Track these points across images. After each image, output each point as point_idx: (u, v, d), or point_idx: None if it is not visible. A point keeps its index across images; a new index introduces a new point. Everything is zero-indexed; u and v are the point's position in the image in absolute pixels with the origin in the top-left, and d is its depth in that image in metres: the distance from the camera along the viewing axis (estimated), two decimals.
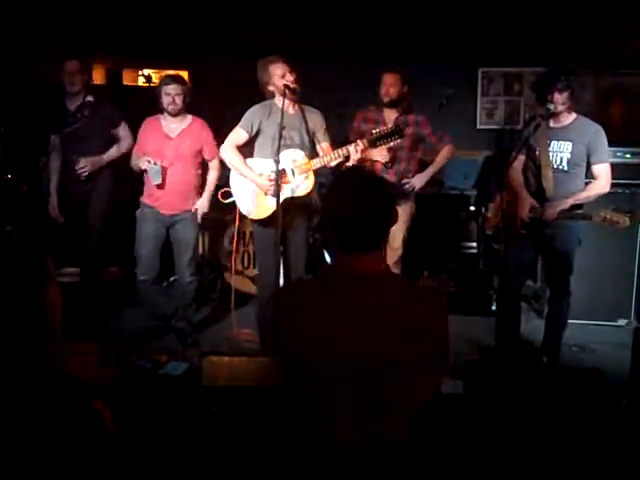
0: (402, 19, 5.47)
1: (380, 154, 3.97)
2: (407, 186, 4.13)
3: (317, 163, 3.66)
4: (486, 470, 2.56)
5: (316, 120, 3.82)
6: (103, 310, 4.43)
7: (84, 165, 4.20)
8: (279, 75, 3.66)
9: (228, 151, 3.82)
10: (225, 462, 2.50)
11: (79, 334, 2.54)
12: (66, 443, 1.32)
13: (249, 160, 3.84)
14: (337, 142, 3.92)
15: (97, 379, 1.53)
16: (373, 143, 3.60)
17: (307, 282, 2.00)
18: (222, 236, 5.12)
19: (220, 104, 5.90)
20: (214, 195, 4.27)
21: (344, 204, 1.65)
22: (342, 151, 3.61)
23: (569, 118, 3.60)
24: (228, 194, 4.11)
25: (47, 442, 1.31)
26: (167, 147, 4.05)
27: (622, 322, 4.51)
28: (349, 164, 3.67)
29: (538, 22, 5.44)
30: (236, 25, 5.63)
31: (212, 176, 4.22)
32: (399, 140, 3.62)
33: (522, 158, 3.73)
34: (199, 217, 4.17)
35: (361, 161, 3.74)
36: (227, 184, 4.02)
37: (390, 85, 4.06)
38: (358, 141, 3.58)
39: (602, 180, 3.61)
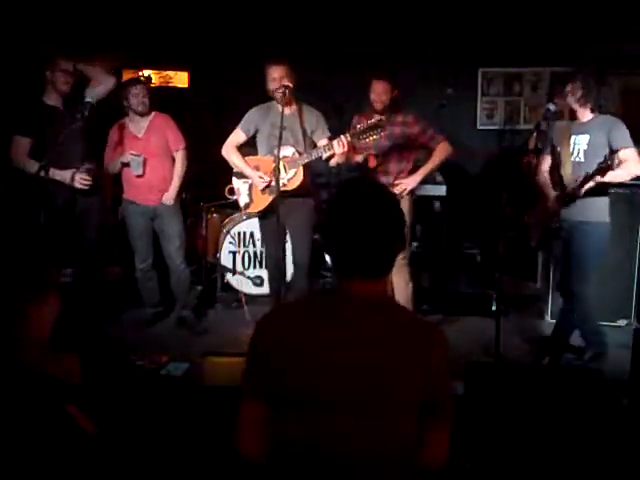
0: (403, 20, 5.48)
1: (359, 154, 4.12)
2: (400, 187, 4.10)
3: (305, 158, 3.78)
4: (486, 470, 2.57)
5: (314, 121, 3.91)
6: (101, 311, 4.40)
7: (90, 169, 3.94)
8: (273, 78, 3.76)
9: (229, 151, 4.03)
10: (225, 463, 2.50)
11: (74, 338, 2.54)
12: (38, 446, 1.31)
13: (250, 158, 4.03)
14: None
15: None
16: (356, 137, 3.67)
17: (297, 305, 1.74)
18: (223, 236, 5.12)
19: (220, 104, 5.91)
20: (217, 196, 4.32)
21: (347, 223, 1.45)
22: (326, 146, 3.72)
23: (587, 115, 3.55)
24: (233, 191, 4.30)
25: (18, 445, 1.30)
26: (137, 146, 4.21)
27: (622, 322, 4.50)
28: (336, 159, 3.77)
29: (538, 22, 5.45)
30: (236, 26, 5.64)
31: (177, 168, 4.34)
32: (381, 133, 3.66)
33: (548, 158, 3.78)
34: (165, 201, 4.28)
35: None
36: (231, 182, 4.26)
37: (381, 94, 4.03)
38: (341, 136, 3.67)
39: (631, 163, 3.36)
